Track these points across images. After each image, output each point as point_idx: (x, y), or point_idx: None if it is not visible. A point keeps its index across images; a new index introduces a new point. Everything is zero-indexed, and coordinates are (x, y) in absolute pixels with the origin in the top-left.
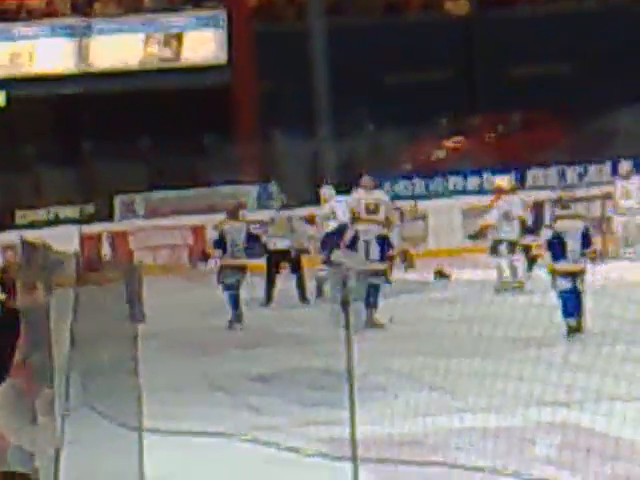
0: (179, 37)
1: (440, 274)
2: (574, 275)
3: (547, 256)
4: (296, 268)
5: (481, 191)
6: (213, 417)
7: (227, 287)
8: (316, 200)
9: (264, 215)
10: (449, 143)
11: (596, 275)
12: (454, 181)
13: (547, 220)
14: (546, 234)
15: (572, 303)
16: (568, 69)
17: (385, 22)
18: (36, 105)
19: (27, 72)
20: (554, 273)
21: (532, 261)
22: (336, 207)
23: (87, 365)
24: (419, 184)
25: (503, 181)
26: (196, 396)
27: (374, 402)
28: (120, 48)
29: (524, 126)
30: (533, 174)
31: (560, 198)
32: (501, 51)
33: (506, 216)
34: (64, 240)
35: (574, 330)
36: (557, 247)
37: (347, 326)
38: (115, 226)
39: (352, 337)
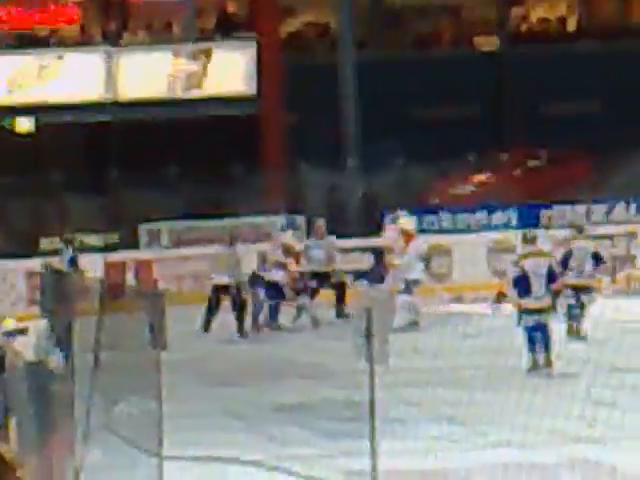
0: (208, 52)
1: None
2: (539, 312)
3: (513, 294)
4: (236, 303)
5: (507, 227)
6: (234, 446)
7: None
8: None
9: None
10: (477, 178)
11: (621, 311)
12: (480, 216)
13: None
14: (512, 272)
15: (537, 339)
16: (597, 106)
17: (415, 56)
18: (64, 132)
19: (56, 99)
20: (519, 310)
21: (498, 298)
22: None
23: (110, 390)
24: (446, 219)
25: (407, 224)
26: (218, 424)
27: (395, 434)
28: (148, 73)
29: (552, 163)
30: (559, 211)
31: (525, 236)
32: (530, 87)
33: None
34: (89, 268)
35: (538, 366)
36: (522, 285)
37: (370, 358)
38: (140, 254)
39: (374, 369)
